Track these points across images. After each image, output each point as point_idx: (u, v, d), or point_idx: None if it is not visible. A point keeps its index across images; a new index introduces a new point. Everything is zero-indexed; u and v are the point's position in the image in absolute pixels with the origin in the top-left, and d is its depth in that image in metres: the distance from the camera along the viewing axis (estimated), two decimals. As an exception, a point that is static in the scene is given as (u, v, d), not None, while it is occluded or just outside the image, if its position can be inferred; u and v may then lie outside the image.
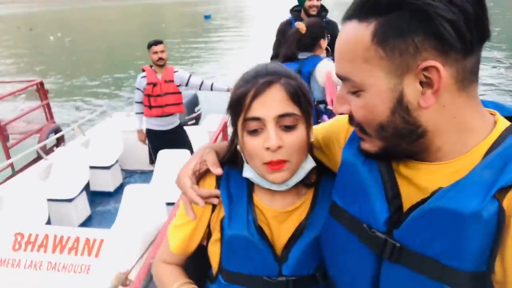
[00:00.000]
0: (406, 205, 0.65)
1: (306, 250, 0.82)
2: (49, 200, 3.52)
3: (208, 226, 0.90)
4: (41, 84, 5.33)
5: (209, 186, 0.89)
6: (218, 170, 0.86)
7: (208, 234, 0.91)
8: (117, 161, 4.55)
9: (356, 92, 0.62)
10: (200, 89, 3.92)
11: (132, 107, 4.46)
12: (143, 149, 4.17)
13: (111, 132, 4.81)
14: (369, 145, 0.67)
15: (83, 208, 3.93)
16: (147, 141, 3.99)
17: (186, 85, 3.81)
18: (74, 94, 11.40)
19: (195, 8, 50.72)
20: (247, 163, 0.84)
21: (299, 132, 0.77)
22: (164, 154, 3.86)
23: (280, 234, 0.85)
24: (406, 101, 0.58)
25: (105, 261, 2.22)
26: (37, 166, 4.06)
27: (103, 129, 4.94)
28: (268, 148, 0.75)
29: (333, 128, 0.88)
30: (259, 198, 0.87)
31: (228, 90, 3.80)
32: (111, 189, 4.47)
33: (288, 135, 0.76)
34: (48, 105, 5.39)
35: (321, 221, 0.82)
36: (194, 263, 0.97)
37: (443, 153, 0.62)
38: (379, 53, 0.57)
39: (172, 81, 3.68)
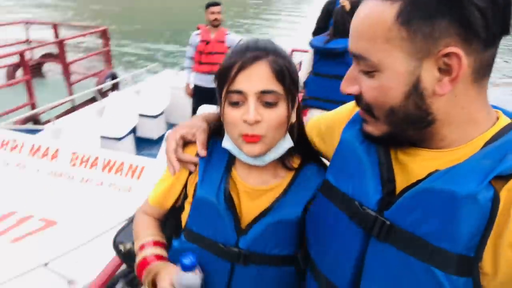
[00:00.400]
0: (399, 190, 0.64)
1: (267, 229, 0.83)
2: (101, 137, 3.90)
3: (185, 187, 0.93)
4: (105, 31, 5.74)
5: (192, 152, 0.91)
6: (203, 152, 0.88)
7: (184, 196, 0.94)
8: (162, 112, 4.89)
9: (371, 72, 0.60)
10: None
11: (178, 69, 4.71)
12: (187, 105, 4.45)
13: (160, 86, 5.14)
14: (373, 128, 0.66)
15: (129, 148, 4.31)
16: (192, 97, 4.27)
17: None
18: (132, 47, 12.00)
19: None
20: (227, 133, 0.85)
21: (279, 110, 0.77)
22: (204, 109, 4.11)
23: (250, 211, 0.86)
24: (422, 87, 0.57)
25: (145, 183, 2.54)
26: (93, 106, 4.45)
27: (153, 82, 5.29)
28: (245, 121, 0.76)
29: (336, 117, 0.87)
30: (237, 172, 0.89)
31: None
32: (155, 136, 4.83)
33: (267, 111, 0.76)
34: (108, 52, 5.82)
35: (291, 206, 0.84)
36: (171, 221, 1.00)
37: (446, 142, 0.61)
38: (401, 34, 0.55)
39: (223, 42, 3.89)
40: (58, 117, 4.05)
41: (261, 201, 0.86)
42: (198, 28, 3.96)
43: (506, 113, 0.65)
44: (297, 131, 0.87)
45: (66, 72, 5.48)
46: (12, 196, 2.35)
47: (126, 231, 1.10)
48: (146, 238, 0.93)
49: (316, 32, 3.25)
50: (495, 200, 0.52)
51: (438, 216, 0.56)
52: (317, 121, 0.93)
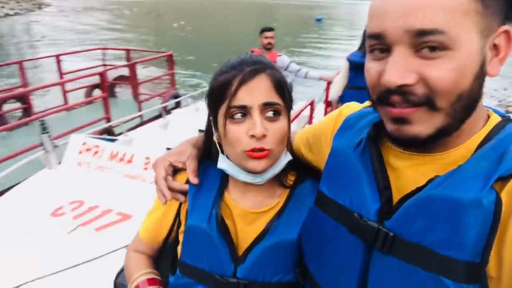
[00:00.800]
0: (396, 197, 0.62)
1: (265, 254, 0.78)
2: (166, 148, 4.29)
3: (178, 216, 0.89)
4: (171, 56, 6.33)
5: (182, 180, 0.88)
6: (195, 180, 0.85)
7: (178, 225, 0.89)
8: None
9: (441, 49, 0.51)
10: (296, 75, 4.38)
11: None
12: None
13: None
14: (423, 127, 0.56)
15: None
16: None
17: (286, 69, 4.30)
18: (191, 68, 12.84)
19: (309, 12, 51.42)
20: (222, 153, 0.82)
21: (282, 122, 0.76)
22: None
23: (246, 236, 0.81)
24: (485, 68, 0.54)
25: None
26: (158, 121, 4.91)
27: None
28: (252, 136, 0.73)
29: (321, 126, 0.84)
30: (230, 195, 0.85)
31: (320, 79, 4.22)
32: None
33: (271, 124, 0.74)
34: (173, 74, 6.39)
35: (287, 227, 0.80)
36: (167, 257, 0.94)
37: (444, 142, 0.59)
38: (477, 7, 0.51)
39: (275, 63, 4.18)
40: (129, 130, 4.52)
41: (257, 224, 0.81)
42: (253, 51, 4.29)
43: (494, 111, 0.63)
44: (289, 145, 0.85)
45: (136, 92, 6.08)
46: (96, 192, 2.70)
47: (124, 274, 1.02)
48: (139, 278, 0.88)
49: (361, 47, 3.42)
50: (498, 203, 0.51)
51: (443, 224, 0.53)
52: (302, 133, 0.90)
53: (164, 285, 0.89)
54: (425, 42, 0.51)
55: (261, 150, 0.74)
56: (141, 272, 0.89)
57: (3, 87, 6.27)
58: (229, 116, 0.75)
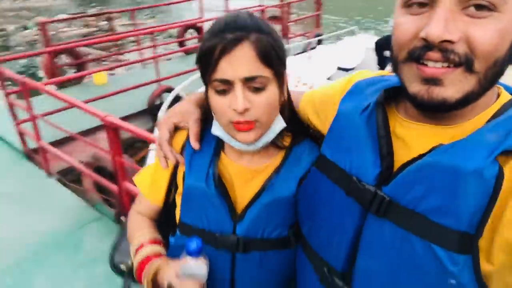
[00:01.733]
0: (397, 165, 0.61)
1: (263, 211, 0.78)
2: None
3: (175, 178, 0.88)
4: None
5: (180, 140, 0.87)
6: (197, 145, 0.83)
7: (175, 188, 0.89)
8: (354, 68, 5.89)
9: (489, 9, 0.50)
10: None
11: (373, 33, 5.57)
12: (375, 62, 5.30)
13: (356, 46, 6.13)
14: (454, 90, 0.54)
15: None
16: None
17: None
18: (337, 11, 13.28)
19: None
20: (216, 120, 0.80)
21: (269, 93, 0.72)
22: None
23: (244, 194, 0.81)
24: None
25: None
26: (303, 55, 5.80)
27: (350, 42, 6.31)
28: (234, 110, 0.70)
29: (330, 91, 0.83)
30: (227, 155, 0.84)
31: None
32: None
33: (256, 96, 0.71)
34: (319, 15, 7.14)
35: (285, 184, 0.79)
36: (167, 221, 0.94)
37: (453, 116, 0.58)
38: None
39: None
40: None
41: (255, 182, 0.81)
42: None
43: (507, 88, 0.62)
44: (288, 109, 0.82)
45: (285, 30, 7.04)
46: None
47: (120, 250, 1.01)
48: (142, 237, 0.89)
49: None
50: (500, 177, 0.50)
51: (441, 192, 0.53)
52: (311, 95, 0.88)
53: (165, 247, 0.90)
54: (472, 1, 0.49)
55: (246, 122, 0.71)
56: (144, 231, 0.90)
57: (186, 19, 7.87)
58: (213, 87, 0.72)
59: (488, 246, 0.52)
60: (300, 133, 0.85)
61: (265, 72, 0.70)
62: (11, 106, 3.46)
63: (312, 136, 0.85)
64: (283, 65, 0.75)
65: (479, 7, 0.50)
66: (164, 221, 0.94)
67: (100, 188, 3.14)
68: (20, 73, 7.00)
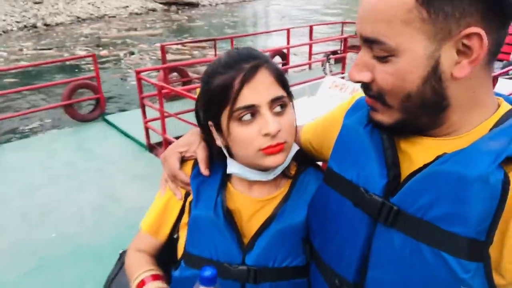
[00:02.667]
0: (403, 177, 0.62)
1: (273, 240, 0.78)
2: None
3: (183, 209, 0.87)
4: None
5: (187, 171, 0.86)
6: (206, 172, 0.83)
7: (180, 217, 0.88)
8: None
9: (385, 57, 0.56)
10: None
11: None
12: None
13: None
14: (384, 117, 0.62)
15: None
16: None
17: None
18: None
19: None
20: (230, 157, 0.80)
21: (289, 114, 0.75)
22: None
23: (252, 225, 0.81)
24: (441, 70, 0.54)
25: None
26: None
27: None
28: (266, 134, 0.71)
29: (332, 113, 0.84)
30: (234, 186, 0.84)
31: None
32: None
33: (281, 118, 0.73)
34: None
35: (294, 211, 0.79)
36: (167, 256, 0.93)
37: (452, 129, 0.59)
38: (422, 15, 0.52)
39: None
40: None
41: (263, 212, 0.81)
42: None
43: (506, 99, 0.63)
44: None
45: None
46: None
47: (116, 282, 0.99)
48: (144, 273, 0.85)
49: None
50: (506, 183, 0.50)
51: (448, 199, 0.54)
52: (311, 123, 0.90)
53: (168, 282, 0.87)
54: (373, 49, 0.57)
55: (277, 145, 0.72)
56: (145, 269, 0.87)
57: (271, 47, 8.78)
58: (234, 119, 0.72)
59: (497, 257, 0.53)
60: (305, 161, 0.87)
61: (283, 93, 0.75)
62: (143, 107, 4.39)
63: (315, 163, 0.88)
64: (290, 91, 0.78)
65: (379, 57, 0.57)
66: (164, 256, 0.92)
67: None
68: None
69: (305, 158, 0.88)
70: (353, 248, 0.66)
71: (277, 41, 11.43)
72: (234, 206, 0.82)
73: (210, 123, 0.79)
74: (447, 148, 0.59)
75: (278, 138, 0.73)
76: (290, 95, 0.77)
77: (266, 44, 13.04)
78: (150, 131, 4.47)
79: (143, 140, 4.58)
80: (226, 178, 0.85)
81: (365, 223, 0.64)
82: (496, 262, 0.53)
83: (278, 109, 0.73)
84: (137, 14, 22.51)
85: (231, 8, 26.91)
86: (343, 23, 9.00)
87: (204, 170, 0.83)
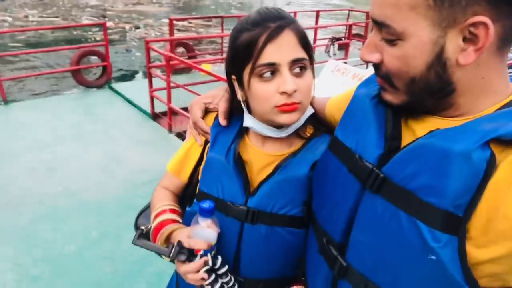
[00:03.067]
0: None
1: (274, 188, 0.83)
2: None
3: (202, 155, 0.94)
4: None
5: (209, 121, 0.92)
6: (224, 122, 0.89)
7: (200, 162, 0.94)
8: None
9: (393, 40, 0.57)
10: None
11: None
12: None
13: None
14: (392, 97, 0.64)
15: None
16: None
17: None
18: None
19: None
20: (248, 111, 0.85)
21: (308, 77, 0.77)
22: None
23: (262, 176, 0.86)
24: (445, 57, 0.55)
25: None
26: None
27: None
28: (283, 92, 0.74)
29: (352, 88, 0.84)
30: (250, 139, 0.89)
31: None
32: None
33: (299, 79, 0.76)
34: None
35: (298, 165, 0.83)
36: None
37: (460, 111, 0.60)
38: (427, 2, 0.52)
39: None
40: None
41: (272, 167, 0.85)
42: None
43: None
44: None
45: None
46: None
47: (145, 215, 1.09)
48: (163, 206, 0.95)
49: None
50: (491, 163, 0.51)
51: (430, 171, 0.56)
52: (336, 97, 0.92)
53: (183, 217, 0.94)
54: (382, 31, 0.59)
55: (293, 103, 0.76)
56: (165, 203, 0.95)
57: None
58: (256, 74, 0.75)
59: (480, 234, 0.53)
60: (321, 126, 0.90)
61: (305, 56, 0.77)
62: (150, 76, 4.52)
63: (331, 131, 0.87)
64: (312, 51, 0.80)
65: (387, 40, 0.59)
66: (187, 197, 1.00)
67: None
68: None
69: (322, 125, 0.91)
70: (342, 210, 0.70)
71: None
72: (247, 157, 0.88)
73: (233, 77, 0.82)
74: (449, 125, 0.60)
75: (293, 98, 0.75)
76: (311, 58, 0.79)
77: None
78: (155, 101, 4.61)
79: (147, 109, 4.73)
80: (244, 130, 0.90)
81: (355, 188, 0.67)
82: (478, 239, 0.53)
83: (297, 70, 0.76)
84: (144, -11, 22.28)
85: (238, -10, 26.64)
86: (350, 10, 9.08)
87: (222, 121, 0.89)
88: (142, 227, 0.98)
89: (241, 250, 0.86)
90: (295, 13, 7.91)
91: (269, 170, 0.85)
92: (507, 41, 0.55)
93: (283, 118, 0.78)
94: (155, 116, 4.68)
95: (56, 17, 13.98)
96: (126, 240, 2.64)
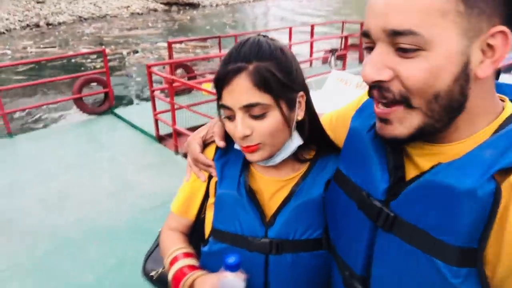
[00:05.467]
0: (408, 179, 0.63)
1: (292, 215, 0.82)
2: None
3: (208, 191, 0.92)
4: None
5: (210, 155, 0.90)
6: (221, 143, 0.87)
7: (206, 197, 0.92)
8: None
9: (414, 51, 0.52)
10: None
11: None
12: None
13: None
14: (403, 127, 0.58)
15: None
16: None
17: None
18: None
19: None
20: None
21: (270, 119, 0.74)
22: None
23: (274, 202, 0.85)
24: (469, 69, 0.53)
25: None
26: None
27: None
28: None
29: (346, 107, 0.86)
30: (255, 168, 0.89)
31: None
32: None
33: (258, 122, 0.74)
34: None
35: (312, 187, 0.83)
36: (197, 236, 0.97)
37: (457, 134, 0.58)
38: (459, 8, 0.50)
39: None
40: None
41: (283, 191, 0.85)
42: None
43: None
44: (308, 126, 0.83)
45: (361, 56, 7.80)
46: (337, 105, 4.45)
47: (153, 257, 1.07)
48: (176, 251, 0.91)
49: None
50: (497, 194, 0.50)
51: (439, 210, 0.55)
52: (329, 116, 0.92)
53: (198, 259, 0.92)
54: (399, 43, 0.53)
55: (249, 147, 0.76)
56: (177, 247, 0.92)
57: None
58: (223, 113, 0.78)
59: (493, 258, 0.53)
60: (324, 147, 0.88)
61: (265, 99, 0.73)
62: (153, 99, 4.55)
63: (336, 148, 0.86)
64: (289, 88, 0.75)
65: (403, 50, 0.53)
66: (195, 235, 0.98)
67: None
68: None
69: (324, 143, 0.88)
70: (359, 247, 0.69)
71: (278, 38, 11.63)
72: (256, 186, 0.87)
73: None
74: (446, 155, 0.59)
75: (248, 141, 0.76)
76: (279, 98, 0.74)
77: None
78: (159, 123, 4.64)
79: (152, 132, 4.75)
80: (248, 161, 0.88)
81: (367, 226, 0.67)
82: (494, 265, 0.53)
83: (255, 114, 0.74)
84: (138, 14, 22.68)
85: (231, 9, 27.10)
86: (344, 22, 9.21)
87: (218, 142, 0.88)
88: (152, 273, 0.99)
89: (269, 282, 0.85)
90: (290, 28, 8.05)
91: (280, 195, 0.85)
92: None
93: (247, 156, 0.80)
94: (160, 139, 4.70)
95: (53, 46, 14.17)
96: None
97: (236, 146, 0.85)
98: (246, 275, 0.80)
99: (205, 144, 0.93)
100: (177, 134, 4.37)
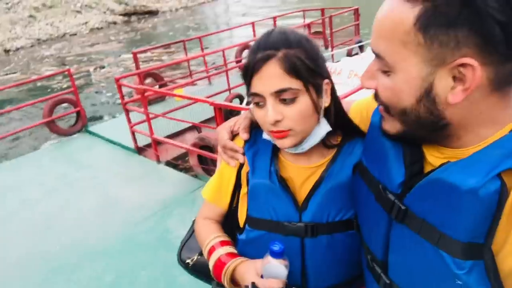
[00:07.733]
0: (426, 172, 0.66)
1: (323, 199, 0.85)
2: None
3: (239, 178, 0.95)
4: (357, 9, 8.00)
5: (238, 144, 0.94)
6: (245, 135, 0.91)
7: (238, 186, 0.95)
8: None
9: (386, 72, 0.60)
10: None
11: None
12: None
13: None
14: (389, 126, 0.67)
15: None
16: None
17: None
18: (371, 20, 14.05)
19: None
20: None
21: (300, 104, 0.77)
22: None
23: (305, 189, 0.87)
24: (434, 93, 0.57)
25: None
26: (357, 56, 6.54)
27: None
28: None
29: (370, 102, 0.87)
30: (284, 156, 0.91)
31: None
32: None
33: (288, 108, 0.76)
34: (358, 24, 8.03)
35: (341, 171, 0.85)
36: (230, 225, 1.00)
37: (462, 142, 0.61)
38: (418, 40, 0.54)
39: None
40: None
41: (312, 178, 0.87)
42: None
43: None
44: (334, 113, 0.85)
45: (326, 42, 7.98)
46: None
47: (188, 245, 1.10)
48: (213, 240, 0.95)
49: None
50: (502, 192, 0.52)
51: (444, 207, 0.58)
52: (359, 106, 0.93)
53: (234, 245, 0.95)
54: (378, 61, 0.62)
55: (280, 131, 0.78)
56: (214, 235, 0.96)
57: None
58: (253, 99, 0.80)
59: (500, 250, 0.55)
60: (350, 132, 0.90)
61: (295, 84, 0.75)
62: (127, 112, 4.53)
63: (362, 133, 0.87)
64: (317, 72, 0.78)
65: (382, 70, 0.62)
66: (227, 224, 1.01)
67: (202, 164, 4.06)
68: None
69: (350, 129, 0.90)
70: (378, 234, 0.74)
71: (243, 35, 11.69)
72: (287, 174, 0.89)
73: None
74: (457, 157, 0.61)
75: (279, 126, 0.78)
76: (308, 83, 0.77)
77: (232, 40, 13.27)
78: (136, 135, 4.61)
79: (130, 144, 4.72)
80: (277, 149, 0.91)
81: (384, 217, 0.71)
82: (499, 255, 0.55)
83: (287, 98, 0.76)
84: (98, 29, 22.20)
85: (191, 12, 26.91)
86: (304, 10, 9.35)
87: (242, 135, 0.92)
88: (188, 261, 1.04)
89: (307, 265, 0.88)
90: (252, 23, 8.11)
91: (310, 182, 0.87)
92: (503, 83, 0.55)
93: (277, 143, 0.82)
94: (140, 150, 4.68)
95: (14, 72, 13.76)
96: (142, 278, 2.64)
97: (265, 136, 0.88)
98: (288, 262, 0.82)
99: (233, 136, 0.97)
100: (156, 143, 4.37)
